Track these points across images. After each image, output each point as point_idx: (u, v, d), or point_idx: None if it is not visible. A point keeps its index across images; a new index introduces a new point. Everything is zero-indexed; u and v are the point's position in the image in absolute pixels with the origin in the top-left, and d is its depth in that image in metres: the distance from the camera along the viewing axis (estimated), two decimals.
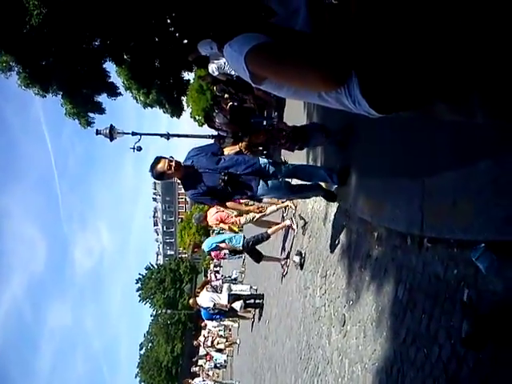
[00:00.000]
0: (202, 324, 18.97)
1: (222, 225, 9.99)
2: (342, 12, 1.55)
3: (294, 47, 1.67)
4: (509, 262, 2.40)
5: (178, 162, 5.28)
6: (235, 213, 9.64)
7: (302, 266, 7.69)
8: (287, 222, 9.34)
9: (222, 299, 11.16)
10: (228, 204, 6.13)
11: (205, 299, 11.23)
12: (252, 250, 9.56)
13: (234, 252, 10.36)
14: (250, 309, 12.96)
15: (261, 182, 5.45)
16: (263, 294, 11.91)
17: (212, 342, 20.68)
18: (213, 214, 9.94)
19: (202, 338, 22.00)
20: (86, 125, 19.57)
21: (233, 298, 11.22)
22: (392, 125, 3.84)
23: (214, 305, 11.15)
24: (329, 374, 5.19)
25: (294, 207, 9.41)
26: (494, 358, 2.35)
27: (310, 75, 1.57)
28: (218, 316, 13.00)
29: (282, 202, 9.60)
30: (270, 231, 9.29)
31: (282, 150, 9.80)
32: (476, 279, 2.65)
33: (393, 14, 1.48)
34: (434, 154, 3.26)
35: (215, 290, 13.44)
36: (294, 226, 8.99)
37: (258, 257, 9.82)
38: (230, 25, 1.85)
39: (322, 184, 6.15)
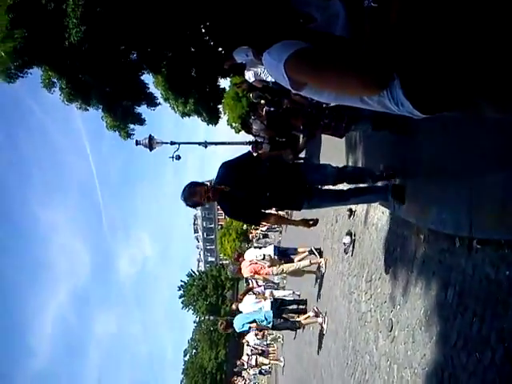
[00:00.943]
0: (244, 340, 18.87)
1: (256, 276, 10.45)
2: (382, 15, 1.53)
3: (334, 52, 1.66)
4: None
5: (214, 190, 4.75)
6: (268, 263, 10.19)
7: (352, 252, 7.32)
8: (319, 320, 9.51)
9: (266, 306, 11.12)
10: (272, 219, 5.52)
11: (247, 307, 11.22)
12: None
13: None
14: (293, 314, 12.89)
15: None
16: (306, 300, 11.82)
17: (256, 361, 20.49)
18: (247, 266, 10.37)
19: (245, 358, 21.87)
20: (127, 136, 20.01)
21: (276, 308, 11.13)
22: (436, 126, 3.77)
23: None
24: (377, 380, 5.11)
25: (324, 264, 9.88)
26: None
27: (353, 80, 1.57)
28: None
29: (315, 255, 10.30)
30: (303, 322, 10.03)
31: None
32: None
33: (435, 16, 1.46)
34: (481, 155, 3.18)
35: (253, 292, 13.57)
36: (324, 325, 9.18)
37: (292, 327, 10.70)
38: (267, 32, 1.85)
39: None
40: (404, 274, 4.66)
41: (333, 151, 8.69)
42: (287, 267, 10.24)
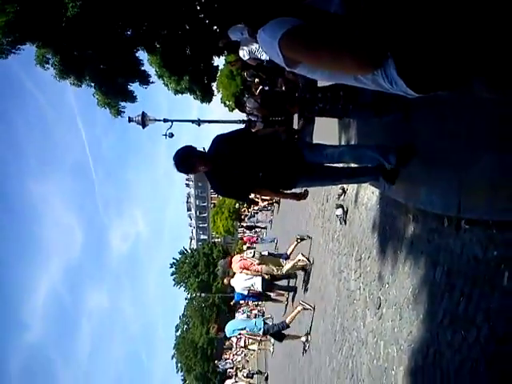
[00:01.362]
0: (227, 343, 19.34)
1: (245, 271, 10.73)
2: None
3: (328, 30, 1.66)
4: None
5: (207, 161, 4.55)
6: (257, 261, 10.64)
7: (345, 221, 7.36)
8: (299, 308, 9.89)
9: (257, 285, 11.31)
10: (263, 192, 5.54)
11: (239, 283, 11.39)
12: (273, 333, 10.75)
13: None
14: (283, 292, 13.10)
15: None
16: (296, 274, 12.01)
17: (245, 343, 20.72)
18: (237, 262, 10.78)
19: (234, 339, 22.26)
20: (117, 114, 19.84)
21: (267, 284, 11.38)
22: (427, 106, 3.78)
23: (249, 291, 11.40)
24: (364, 355, 5.21)
25: (308, 262, 10.29)
26: None
27: (347, 59, 1.57)
28: (251, 298, 13.30)
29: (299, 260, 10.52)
30: (287, 320, 10.26)
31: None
32: None
33: None
34: (472, 136, 3.20)
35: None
36: (308, 306, 9.53)
37: (280, 337, 10.93)
38: (262, 9, 1.85)
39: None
40: (393, 253, 4.72)
41: (326, 133, 8.68)
42: (274, 268, 10.76)
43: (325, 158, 4.77)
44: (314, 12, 1.77)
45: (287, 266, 10.77)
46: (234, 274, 11.59)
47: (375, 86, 1.76)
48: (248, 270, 10.69)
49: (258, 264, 10.62)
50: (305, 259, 10.38)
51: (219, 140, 4.68)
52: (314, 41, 1.66)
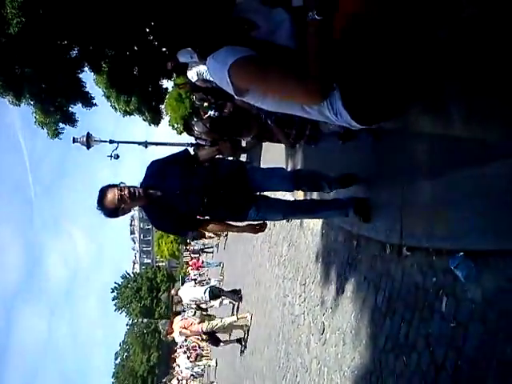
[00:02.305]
0: (174, 364, 19.32)
1: (184, 330, 11.08)
2: (326, 30, 1.58)
3: (279, 61, 1.69)
4: (487, 270, 2.46)
5: (132, 191, 3.74)
6: (198, 320, 11.05)
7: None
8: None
9: (200, 294, 11.89)
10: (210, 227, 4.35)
11: (187, 294, 11.86)
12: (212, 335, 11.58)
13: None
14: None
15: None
16: (240, 290, 12.32)
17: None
18: (177, 322, 11.13)
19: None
20: (54, 136, 19.20)
21: (213, 295, 11.99)
22: (371, 136, 3.90)
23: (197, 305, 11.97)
24: (307, 382, 5.20)
25: (249, 318, 10.66)
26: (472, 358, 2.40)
27: (297, 90, 1.61)
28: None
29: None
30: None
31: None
32: (454, 287, 2.69)
33: (373, 38, 1.55)
34: (415, 163, 3.31)
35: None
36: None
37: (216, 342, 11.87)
38: (210, 37, 1.86)
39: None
40: (337, 279, 4.79)
41: (273, 156, 8.78)
42: (215, 324, 11.21)
43: (281, 183, 4.32)
44: (262, 44, 1.80)
45: (229, 318, 11.30)
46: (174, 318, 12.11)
47: (321, 117, 1.81)
48: (188, 329, 11.10)
49: (199, 323, 11.03)
50: (248, 318, 10.77)
51: (155, 164, 4.04)
52: (265, 70, 1.68)
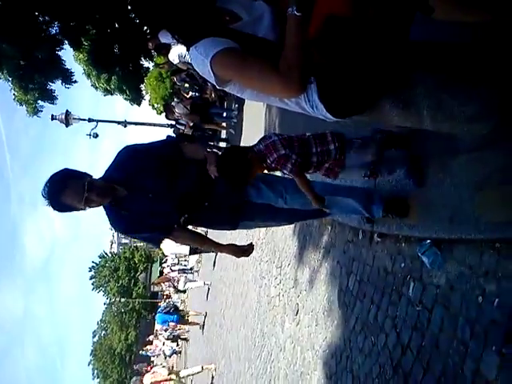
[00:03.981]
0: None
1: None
2: (305, 25, 1.65)
3: (258, 54, 1.76)
4: (451, 257, 2.60)
5: (105, 188, 2.91)
6: (167, 371, 12.53)
7: None
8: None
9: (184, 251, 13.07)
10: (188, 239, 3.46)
11: (169, 247, 13.08)
12: None
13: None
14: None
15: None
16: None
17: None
18: (149, 376, 12.56)
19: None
20: (33, 113, 18.89)
21: (192, 250, 13.55)
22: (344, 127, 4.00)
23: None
24: (281, 361, 5.37)
25: (214, 369, 10.93)
26: (436, 341, 2.55)
27: (276, 82, 1.68)
28: (172, 317, 15.56)
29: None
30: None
31: None
32: (421, 273, 2.83)
33: (347, 37, 1.64)
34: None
35: (172, 284, 15.70)
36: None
37: None
38: (192, 25, 1.91)
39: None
40: (311, 262, 4.92)
41: (255, 135, 8.84)
42: (184, 373, 12.71)
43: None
44: (243, 35, 1.87)
45: (196, 368, 12.27)
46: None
47: (298, 109, 1.90)
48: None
49: (168, 374, 12.39)
50: (212, 369, 11.24)
51: (128, 152, 3.13)
52: (245, 63, 1.75)
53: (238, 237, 10.72)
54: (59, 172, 2.85)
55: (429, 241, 2.76)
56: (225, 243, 3.39)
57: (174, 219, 3.13)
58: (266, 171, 2.99)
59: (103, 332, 59.37)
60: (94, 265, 57.05)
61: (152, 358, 27.57)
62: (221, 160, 2.83)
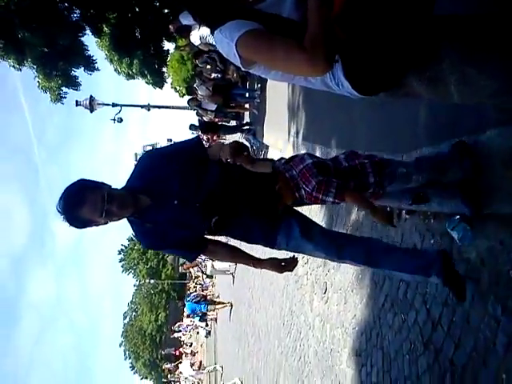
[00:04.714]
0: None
1: None
2: (327, 1, 1.64)
3: (283, 34, 1.76)
4: (482, 232, 2.58)
5: (125, 198, 2.56)
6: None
7: None
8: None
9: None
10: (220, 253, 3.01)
11: None
12: None
13: None
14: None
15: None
16: None
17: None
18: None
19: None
20: (57, 100, 19.15)
21: None
22: (371, 105, 3.97)
23: None
24: (311, 339, 5.42)
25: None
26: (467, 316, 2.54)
27: (300, 62, 1.67)
28: (200, 307, 16.62)
29: None
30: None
31: None
32: (451, 249, 2.81)
33: (374, 9, 1.61)
34: (413, 133, 3.40)
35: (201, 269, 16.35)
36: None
37: None
38: (216, 7, 1.91)
39: None
40: None
41: (280, 115, 8.79)
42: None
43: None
44: (267, 16, 1.86)
45: None
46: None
47: (324, 87, 1.89)
48: None
49: None
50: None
51: (147, 161, 2.85)
52: (271, 43, 1.75)
53: None
54: (74, 184, 2.54)
55: (458, 216, 2.73)
56: (264, 257, 2.99)
57: (203, 227, 2.75)
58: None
59: (133, 313, 60.65)
60: (123, 248, 58.06)
61: (182, 337, 28.18)
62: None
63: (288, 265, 2.96)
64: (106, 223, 2.58)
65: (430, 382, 2.76)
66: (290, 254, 2.97)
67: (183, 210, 2.63)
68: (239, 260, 3.12)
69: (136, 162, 2.84)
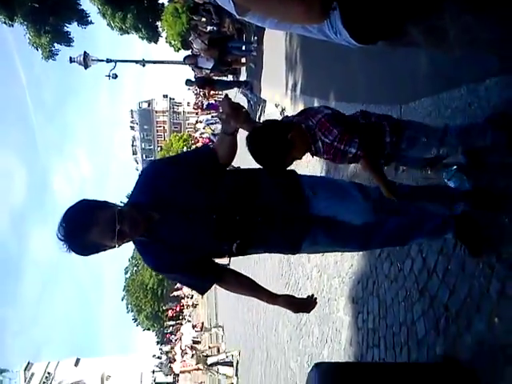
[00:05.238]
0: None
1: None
2: None
3: None
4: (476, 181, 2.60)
5: (130, 214, 2.22)
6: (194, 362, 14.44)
7: None
8: None
9: None
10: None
11: None
12: None
13: None
14: None
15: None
16: None
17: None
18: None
19: None
20: (49, 57, 18.77)
21: None
22: (370, 55, 3.92)
23: None
24: (308, 289, 5.55)
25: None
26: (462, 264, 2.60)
27: (296, 9, 1.65)
28: None
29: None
30: None
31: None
32: None
33: None
34: (412, 81, 3.38)
35: None
36: None
37: None
38: None
39: None
40: None
41: (278, 68, 8.67)
42: (211, 361, 13.77)
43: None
44: None
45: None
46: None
47: (321, 36, 1.86)
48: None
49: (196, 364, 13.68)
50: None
51: (156, 168, 2.52)
52: None
53: None
54: (76, 205, 2.21)
55: (455, 166, 2.75)
56: (280, 293, 2.67)
57: (220, 247, 2.43)
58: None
59: (135, 268, 61.46)
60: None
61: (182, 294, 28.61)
62: (253, 137, 2.30)
63: (305, 306, 2.60)
64: (118, 246, 2.24)
65: (424, 327, 2.84)
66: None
67: (195, 223, 2.31)
68: (256, 294, 2.70)
69: (139, 175, 2.51)
